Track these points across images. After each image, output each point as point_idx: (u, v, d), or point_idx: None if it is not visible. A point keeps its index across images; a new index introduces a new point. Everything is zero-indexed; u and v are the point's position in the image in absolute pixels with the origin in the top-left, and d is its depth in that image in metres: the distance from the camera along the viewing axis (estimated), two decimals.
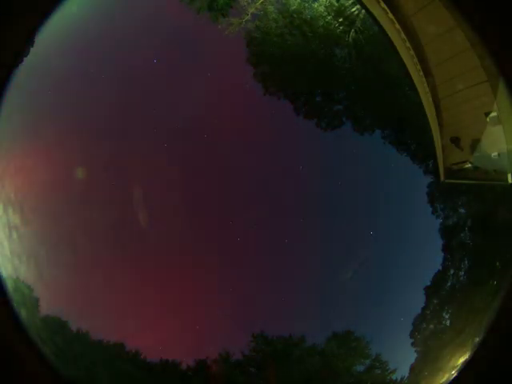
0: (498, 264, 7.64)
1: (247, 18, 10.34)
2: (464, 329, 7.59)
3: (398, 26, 7.31)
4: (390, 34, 8.34)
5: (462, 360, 6.44)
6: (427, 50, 7.04)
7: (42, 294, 7.59)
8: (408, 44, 7.18)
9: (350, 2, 10.07)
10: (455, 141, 7.28)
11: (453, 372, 6.29)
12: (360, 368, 8.94)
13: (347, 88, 10.13)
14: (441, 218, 9.07)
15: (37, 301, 7.46)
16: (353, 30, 9.92)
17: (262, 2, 10.33)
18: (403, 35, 7.21)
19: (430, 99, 7.21)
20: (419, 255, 9.19)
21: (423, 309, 8.75)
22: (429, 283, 8.78)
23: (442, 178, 7.68)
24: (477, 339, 6.62)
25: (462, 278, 8.60)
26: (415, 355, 8.55)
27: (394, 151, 9.76)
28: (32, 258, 7.50)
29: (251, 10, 10.33)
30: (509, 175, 6.65)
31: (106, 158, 9.20)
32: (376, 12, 8.51)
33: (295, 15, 10.16)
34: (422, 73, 7.19)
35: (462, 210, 9.06)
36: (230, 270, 9.44)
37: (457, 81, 6.92)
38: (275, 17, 10.26)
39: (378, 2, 7.84)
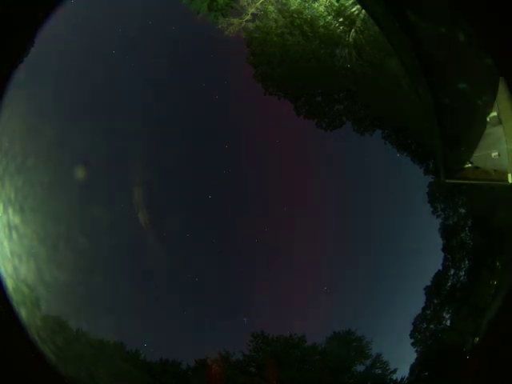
0: (498, 264, 7.64)
1: (247, 17, 10.34)
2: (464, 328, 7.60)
3: (398, 25, 7.30)
4: (390, 34, 8.33)
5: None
6: (427, 50, 7.03)
7: (41, 294, 7.59)
8: (408, 44, 7.17)
9: (350, 2, 10.07)
10: (455, 141, 7.27)
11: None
12: (360, 368, 8.95)
13: (347, 88, 10.12)
14: (441, 218, 9.08)
15: (37, 301, 7.45)
16: (353, 30, 9.91)
17: (262, 2, 10.33)
18: (404, 35, 7.20)
19: (431, 99, 7.20)
20: (419, 255, 9.19)
21: (423, 309, 8.76)
22: (429, 283, 8.79)
23: (442, 178, 7.67)
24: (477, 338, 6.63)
25: (462, 278, 8.61)
26: (415, 355, 8.57)
27: (394, 151, 9.77)
28: (32, 258, 7.50)
29: (251, 10, 10.33)
30: (509, 175, 6.65)
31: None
32: (377, 12, 8.51)
33: (295, 15, 10.15)
34: (422, 73, 7.18)
35: (462, 210, 9.06)
36: (230, 270, 9.44)
37: (457, 81, 6.91)
38: (275, 17, 10.26)
39: (380, 3, 7.84)
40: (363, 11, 9.73)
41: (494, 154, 6.73)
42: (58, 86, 8.97)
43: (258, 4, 10.31)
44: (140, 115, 9.51)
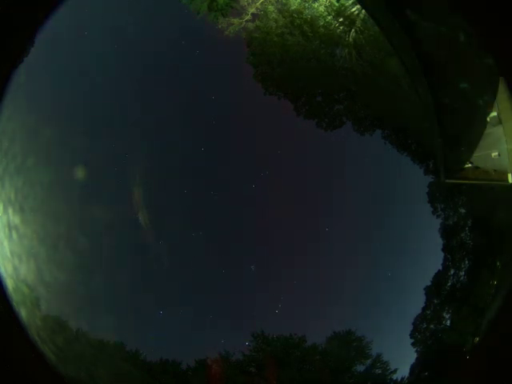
0: (498, 264, 7.63)
1: (247, 17, 10.34)
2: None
3: (398, 25, 7.30)
4: (390, 34, 8.33)
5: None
6: (427, 50, 7.03)
7: (41, 294, 7.59)
8: (408, 44, 7.17)
9: (350, 2, 10.07)
10: (455, 141, 7.27)
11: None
12: (360, 368, 8.95)
13: (347, 88, 10.12)
14: (441, 218, 9.08)
15: (37, 301, 7.45)
16: (353, 30, 9.91)
17: (262, 2, 10.32)
18: (404, 35, 7.20)
19: (431, 99, 7.20)
20: (419, 255, 9.19)
21: (423, 309, 8.76)
22: (429, 283, 8.79)
23: (442, 178, 7.67)
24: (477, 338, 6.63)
25: (462, 278, 8.61)
26: (415, 355, 8.57)
27: (394, 151, 9.77)
28: (32, 258, 7.50)
29: (251, 10, 10.33)
30: (509, 175, 6.64)
31: None
32: (377, 12, 8.51)
33: (295, 15, 10.15)
34: (422, 73, 7.18)
35: (462, 210, 9.06)
36: (230, 270, 9.43)
37: (457, 81, 6.91)
38: (275, 17, 10.25)
39: (380, 2, 7.84)
40: (363, 11, 9.72)
41: (494, 153, 6.73)
42: (58, 86, 8.97)
43: (258, 4, 10.31)
44: (140, 115, 9.51)
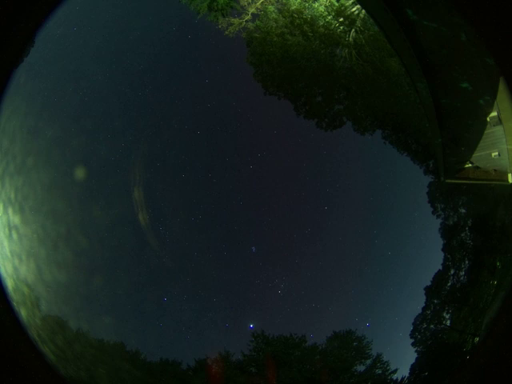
0: (498, 264, 7.64)
1: (247, 17, 10.34)
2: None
3: (398, 25, 7.30)
4: (390, 34, 8.33)
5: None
6: (427, 50, 7.03)
7: (41, 294, 7.59)
8: (408, 44, 7.17)
9: (350, 2, 10.07)
10: (455, 141, 7.27)
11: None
12: (360, 368, 8.95)
13: (347, 88, 10.12)
14: (441, 218, 9.08)
15: (37, 301, 7.45)
16: (353, 30, 9.91)
17: (262, 2, 10.32)
18: (404, 35, 7.20)
19: (431, 99, 7.20)
20: (419, 255, 9.19)
21: (423, 309, 8.76)
22: (429, 283, 8.79)
23: (442, 178, 7.67)
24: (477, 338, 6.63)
25: (462, 278, 8.61)
26: (415, 355, 8.58)
27: (394, 151, 9.77)
28: (32, 257, 7.50)
29: (251, 10, 10.33)
30: (509, 175, 6.64)
31: None
32: (377, 12, 8.51)
33: (295, 15, 10.15)
34: (422, 73, 7.18)
35: (462, 210, 9.06)
36: (231, 271, 9.44)
37: (457, 81, 6.91)
38: (275, 17, 10.25)
39: (380, 2, 7.83)
40: (363, 11, 9.72)
41: (494, 153, 6.73)
42: (58, 86, 8.97)
43: (258, 4, 10.31)
44: (139, 115, 9.51)
